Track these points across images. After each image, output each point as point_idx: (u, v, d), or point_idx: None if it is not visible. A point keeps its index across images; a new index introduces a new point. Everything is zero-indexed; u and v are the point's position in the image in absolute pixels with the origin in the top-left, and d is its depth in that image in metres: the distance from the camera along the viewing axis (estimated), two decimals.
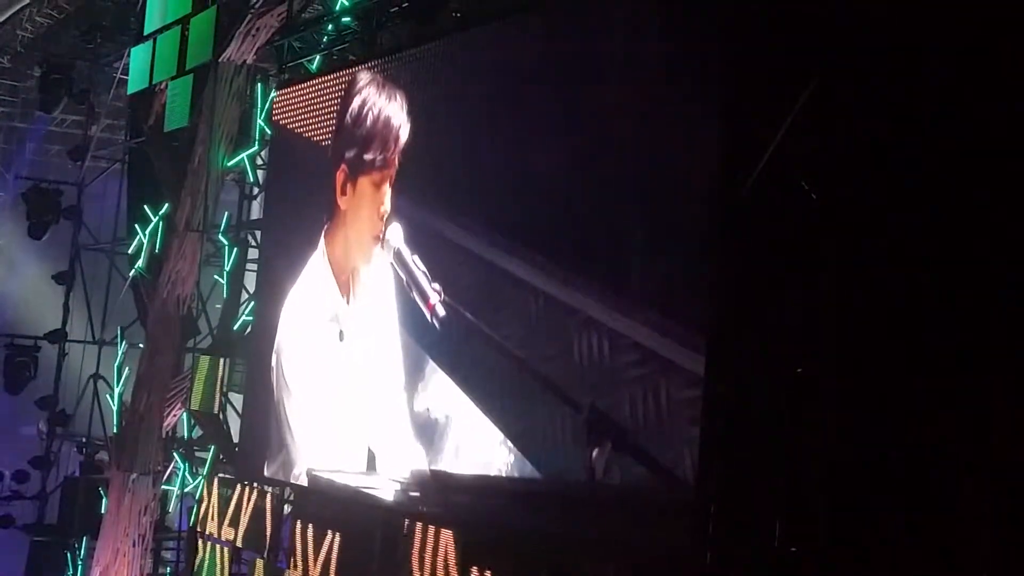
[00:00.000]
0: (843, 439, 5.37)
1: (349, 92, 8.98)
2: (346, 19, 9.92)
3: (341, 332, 8.89)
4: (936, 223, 5.23)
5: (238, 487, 10.21)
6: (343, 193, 8.83)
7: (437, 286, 7.78)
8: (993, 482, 4.97)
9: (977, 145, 5.14)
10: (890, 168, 5.39)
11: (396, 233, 8.25)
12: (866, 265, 5.41)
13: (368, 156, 8.65)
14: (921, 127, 5.29)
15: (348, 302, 8.88)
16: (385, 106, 8.56)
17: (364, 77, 8.89)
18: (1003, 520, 4.94)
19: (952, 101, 5.21)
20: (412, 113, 8.27)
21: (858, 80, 5.47)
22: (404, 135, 8.30)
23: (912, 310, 5.27)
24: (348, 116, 8.94)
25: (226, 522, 10.20)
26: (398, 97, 8.44)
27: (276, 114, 10.38)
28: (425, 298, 7.86)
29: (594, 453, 6.33)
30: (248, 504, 9.92)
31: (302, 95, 9.97)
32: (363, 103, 8.80)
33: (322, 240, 9.14)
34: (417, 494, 7.92)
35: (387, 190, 8.44)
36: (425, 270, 7.91)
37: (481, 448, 7.25)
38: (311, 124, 9.73)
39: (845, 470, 5.39)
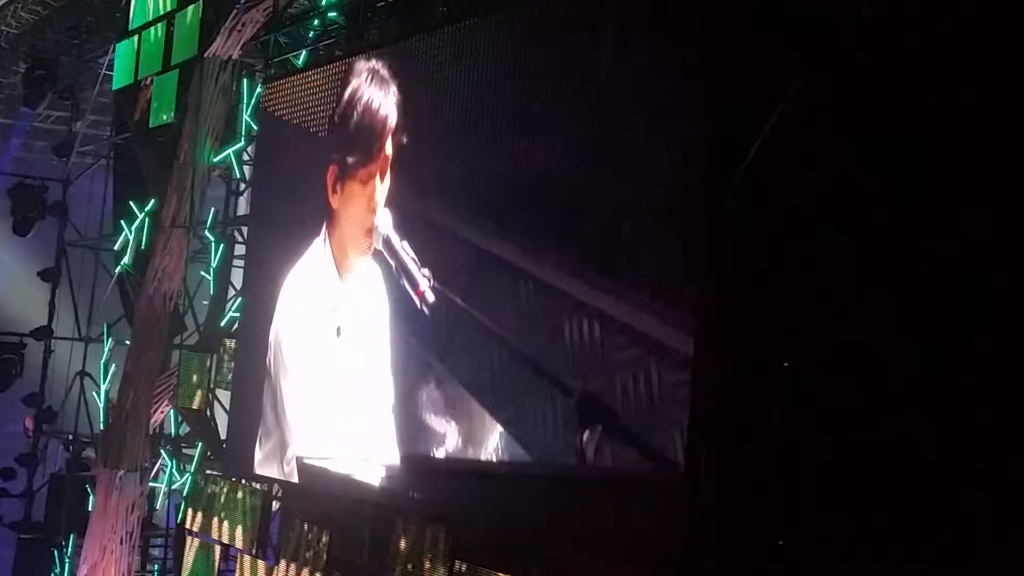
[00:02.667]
0: (831, 432, 5.38)
1: (341, 86, 8.97)
2: (332, 14, 9.91)
3: (339, 328, 8.89)
4: (926, 218, 5.24)
5: (226, 484, 10.20)
6: (334, 191, 8.85)
7: (427, 272, 7.78)
8: (985, 476, 4.98)
9: (968, 142, 5.16)
10: (879, 162, 5.40)
11: (385, 220, 8.25)
12: (856, 259, 5.43)
13: (355, 150, 8.65)
14: (911, 123, 5.31)
15: (347, 297, 8.87)
16: (374, 97, 8.54)
17: (356, 69, 8.86)
18: (996, 514, 4.95)
19: (943, 98, 5.22)
20: (402, 103, 8.26)
21: (848, 76, 5.48)
22: (392, 125, 8.28)
23: (903, 305, 5.28)
24: (337, 111, 8.94)
25: (214, 519, 10.18)
26: (388, 88, 8.42)
27: (264, 105, 10.36)
28: (414, 284, 7.86)
29: (585, 436, 6.33)
30: (236, 500, 9.91)
31: (290, 88, 9.95)
32: (351, 96, 8.79)
33: (324, 229, 9.14)
34: (408, 481, 7.93)
35: (378, 183, 8.43)
36: (414, 256, 7.91)
37: (472, 433, 7.26)
38: (300, 117, 9.72)
39: (833, 463, 5.40)
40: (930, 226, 5.20)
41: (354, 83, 8.79)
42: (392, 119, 8.29)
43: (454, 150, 7.80)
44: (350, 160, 8.65)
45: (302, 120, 9.65)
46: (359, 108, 8.66)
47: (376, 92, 8.53)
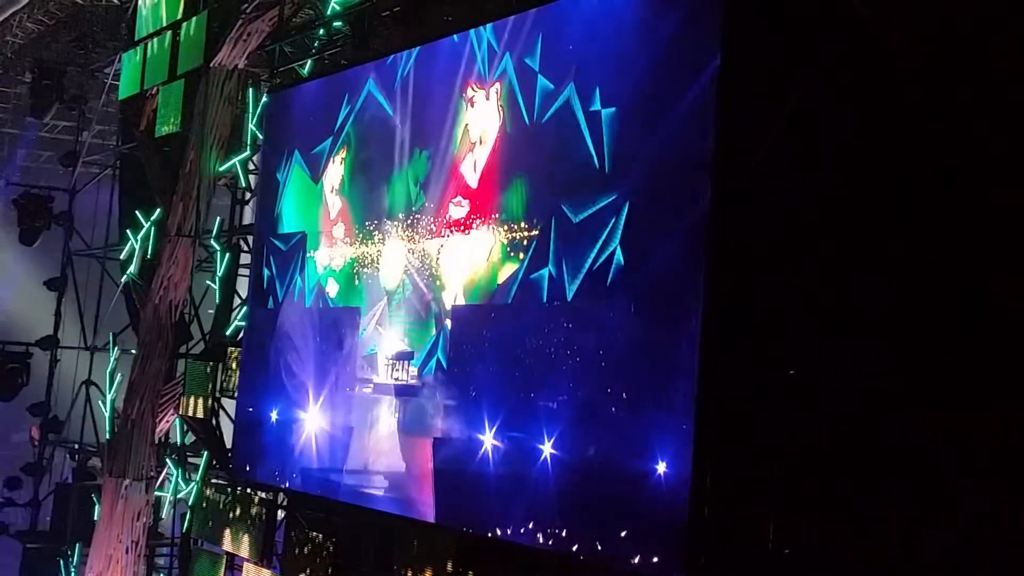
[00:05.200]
0: (837, 440, 5.37)
1: (349, 92, 8.98)
2: (337, 23, 9.92)
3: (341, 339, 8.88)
4: (929, 220, 5.24)
5: (231, 492, 10.19)
6: (340, 192, 8.86)
7: (432, 279, 7.79)
8: (989, 481, 4.98)
9: (968, 142, 5.16)
10: (880, 164, 5.41)
11: (393, 225, 8.27)
12: (860, 262, 5.42)
13: (364, 155, 8.67)
14: (913, 125, 5.31)
15: (348, 306, 8.86)
16: (385, 105, 8.57)
17: (363, 76, 8.88)
18: (999, 520, 4.94)
19: (943, 100, 5.23)
20: (410, 112, 8.28)
21: (851, 79, 5.49)
22: (406, 136, 8.30)
23: (904, 307, 5.27)
24: (346, 117, 8.95)
25: (219, 528, 10.18)
26: (398, 96, 8.44)
27: (269, 114, 10.37)
28: (421, 292, 7.88)
29: (589, 443, 6.33)
30: (241, 509, 9.90)
31: (295, 98, 9.97)
32: (364, 101, 8.82)
33: (322, 239, 9.12)
34: (412, 493, 7.91)
35: (385, 190, 8.45)
36: (421, 263, 7.91)
37: (476, 442, 7.24)
38: (305, 126, 9.73)
39: (839, 471, 5.39)
40: (931, 227, 5.20)
41: (365, 89, 8.82)
42: (407, 128, 8.31)
43: (458, 154, 7.81)
44: (362, 156, 8.66)
45: (307, 129, 9.66)
46: (373, 110, 8.71)
47: (390, 97, 8.55)
